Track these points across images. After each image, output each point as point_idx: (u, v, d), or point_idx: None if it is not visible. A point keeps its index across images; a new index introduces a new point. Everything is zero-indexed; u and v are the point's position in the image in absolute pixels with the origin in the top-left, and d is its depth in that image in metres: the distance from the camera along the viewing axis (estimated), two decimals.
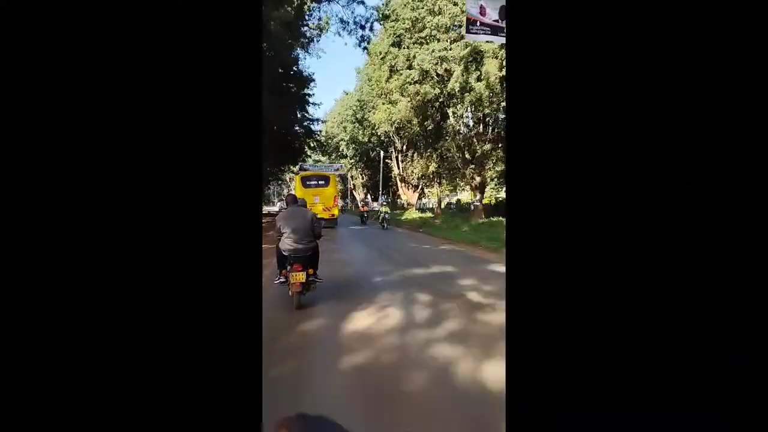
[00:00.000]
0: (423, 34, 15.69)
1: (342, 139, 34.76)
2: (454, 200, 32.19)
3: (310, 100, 20.04)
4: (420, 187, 27.27)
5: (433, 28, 15.17)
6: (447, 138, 17.97)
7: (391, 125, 22.92)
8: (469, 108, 16.03)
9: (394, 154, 26.80)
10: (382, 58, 17.68)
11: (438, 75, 15.92)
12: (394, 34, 16.43)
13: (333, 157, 36.38)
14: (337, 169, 30.79)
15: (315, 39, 18.02)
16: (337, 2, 12.58)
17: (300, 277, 3.86)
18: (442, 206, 31.08)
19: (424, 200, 32.25)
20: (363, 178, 38.42)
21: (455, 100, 16.01)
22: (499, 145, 15.86)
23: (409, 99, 17.04)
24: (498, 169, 17.11)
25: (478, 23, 8.08)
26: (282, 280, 4.10)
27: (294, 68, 16.43)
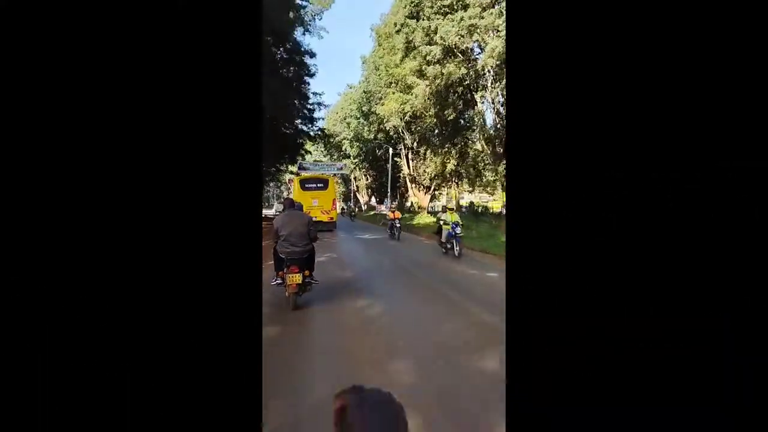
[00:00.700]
0: (446, 2, 12.94)
1: (345, 138, 31.93)
2: (463, 202, 29.31)
3: (311, 87, 17.29)
4: (432, 188, 24.44)
5: None
6: (472, 129, 15.17)
7: (402, 118, 20.14)
8: (503, 91, 13.24)
9: (403, 152, 23.91)
10: (397, 31, 14.84)
11: (464, 52, 13.19)
12: (411, 3, 13.67)
13: (335, 156, 33.59)
14: (340, 169, 28.05)
15: (316, 16, 15.33)
16: None
17: (296, 278, 3.92)
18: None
19: (432, 203, 29.37)
20: (367, 179, 35.60)
21: (484, 81, 13.24)
22: None
23: (428, 83, 14.26)
24: None
25: None
26: (279, 281, 4.10)
27: (290, 44, 13.61)
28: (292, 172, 24.36)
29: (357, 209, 32.12)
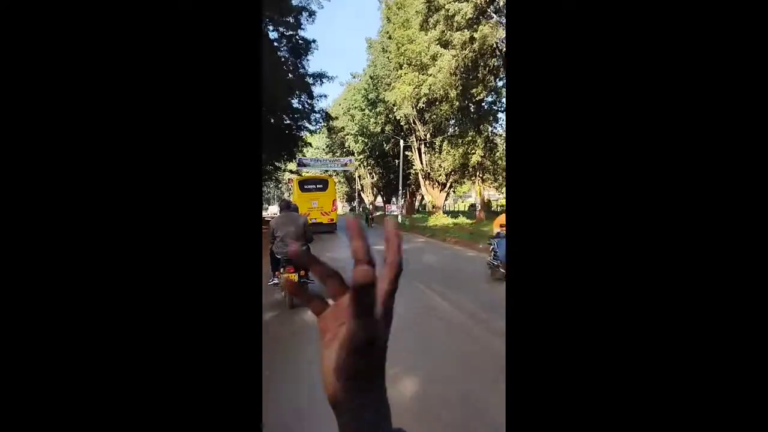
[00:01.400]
0: None
1: (348, 133, 29.22)
2: (470, 201, 26.42)
3: (310, 62, 14.61)
4: (449, 185, 21.69)
5: None
6: (502, 111, 12.47)
7: (415, 105, 17.47)
8: None
9: (415, 145, 21.17)
10: None
11: (500, 10, 10.53)
12: None
13: (338, 154, 30.90)
14: (345, 165, 25.43)
15: None
16: None
17: (292, 278, 3.99)
18: (465, 208, 25.54)
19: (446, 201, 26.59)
20: (373, 178, 32.90)
21: None
22: None
23: (454, 54, 11.56)
24: None
25: None
26: (276, 281, 4.36)
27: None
28: (291, 171, 21.85)
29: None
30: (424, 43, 11.95)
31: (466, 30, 10.88)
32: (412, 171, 24.32)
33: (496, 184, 19.95)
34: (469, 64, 11.75)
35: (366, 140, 26.31)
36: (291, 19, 12.26)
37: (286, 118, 14.64)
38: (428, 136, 20.65)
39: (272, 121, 13.11)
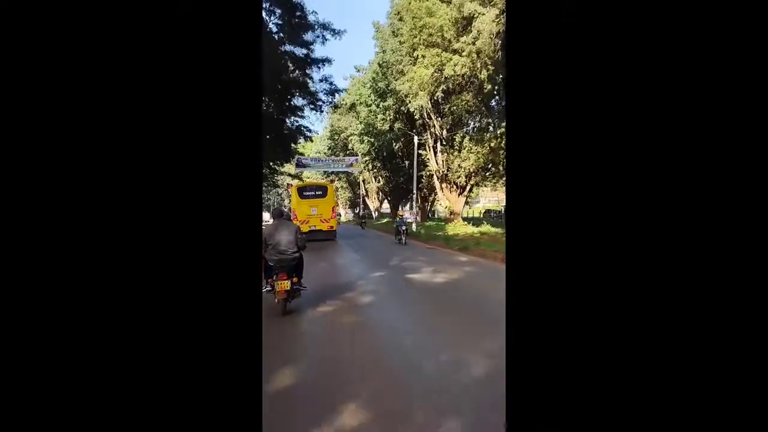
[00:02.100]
0: None
1: (352, 134, 26.59)
2: (478, 207, 23.64)
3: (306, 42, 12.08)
4: (469, 188, 18.98)
5: None
6: None
7: (434, 92, 14.84)
8: None
9: (429, 143, 18.51)
10: None
11: None
12: None
13: (340, 156, 28.24)
14: (350, 165, 22.79)
15: None
16: None
17: (285, 285, 4.11)
18: (479, 214, 22.78)
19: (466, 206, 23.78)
20: (379, 182, 30.21)
21: None
22: None
23: (495, 16, 8.93)
24: None
25: None
26: (268, 288, 4.22)
27: None
28: (290, 175, 19.18)
29: (366, 213, 26.33)
30: (456, 2, 9.31)
31: None
32: (425, 173, 21.62)
33: None
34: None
35: (372, 140, 23.64)
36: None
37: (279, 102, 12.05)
38: (444, 132, 18.01)
39: (267, 109, 10.57)
